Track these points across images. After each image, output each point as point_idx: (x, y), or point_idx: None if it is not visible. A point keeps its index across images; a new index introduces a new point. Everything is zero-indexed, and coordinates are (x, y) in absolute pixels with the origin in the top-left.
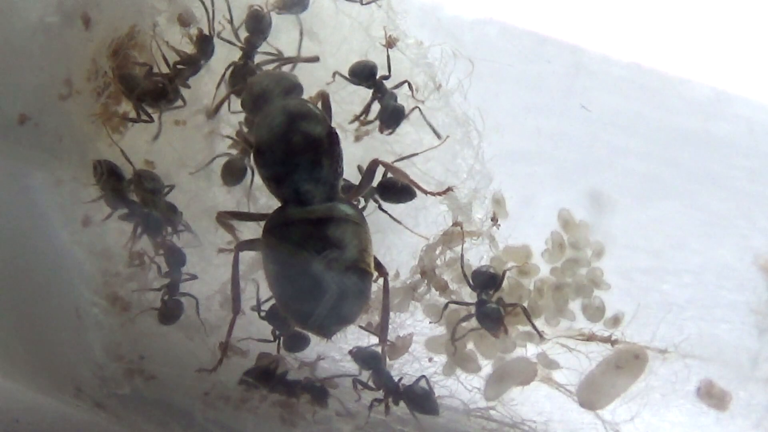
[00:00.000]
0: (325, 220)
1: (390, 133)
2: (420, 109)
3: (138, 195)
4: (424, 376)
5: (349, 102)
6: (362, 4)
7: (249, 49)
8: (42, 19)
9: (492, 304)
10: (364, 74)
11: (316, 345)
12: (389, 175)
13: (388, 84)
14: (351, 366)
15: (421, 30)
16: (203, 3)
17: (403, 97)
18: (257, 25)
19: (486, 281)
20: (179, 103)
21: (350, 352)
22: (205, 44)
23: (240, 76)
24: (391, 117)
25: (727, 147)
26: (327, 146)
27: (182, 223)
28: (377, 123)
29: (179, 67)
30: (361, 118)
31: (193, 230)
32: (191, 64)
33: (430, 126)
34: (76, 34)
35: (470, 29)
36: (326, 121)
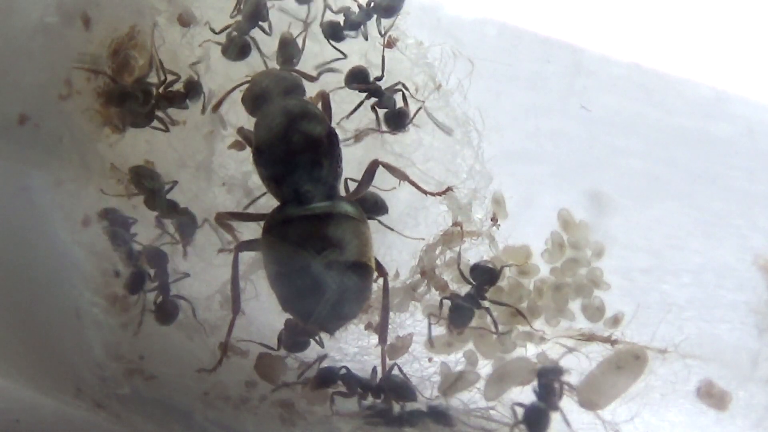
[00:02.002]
0: (325, 217)
1: (395, 133)
2: (425, 108)
3: (140, 193)
4: (395, 364)
5: (349, 102)
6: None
7: (244, 28)
8: (42, 19)
9: (467, 303)
10: (357, 80)
11: (316, 345)
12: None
13: (385, 86)
14: (352, 366)
15: (421, 30)
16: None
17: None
18: (260, 14)
19: (483, 276)
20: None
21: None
22: (192, 90)
23: (235, 49)
24: (398, 120)
25: (727, 147)
26: (327, 146)
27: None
28: (375, 124)
29: (163, 90)
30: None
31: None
32: (174, 99)
33: (436, 122)
34: (76, 34)
35: (470, 29)
36: (326, 121)
